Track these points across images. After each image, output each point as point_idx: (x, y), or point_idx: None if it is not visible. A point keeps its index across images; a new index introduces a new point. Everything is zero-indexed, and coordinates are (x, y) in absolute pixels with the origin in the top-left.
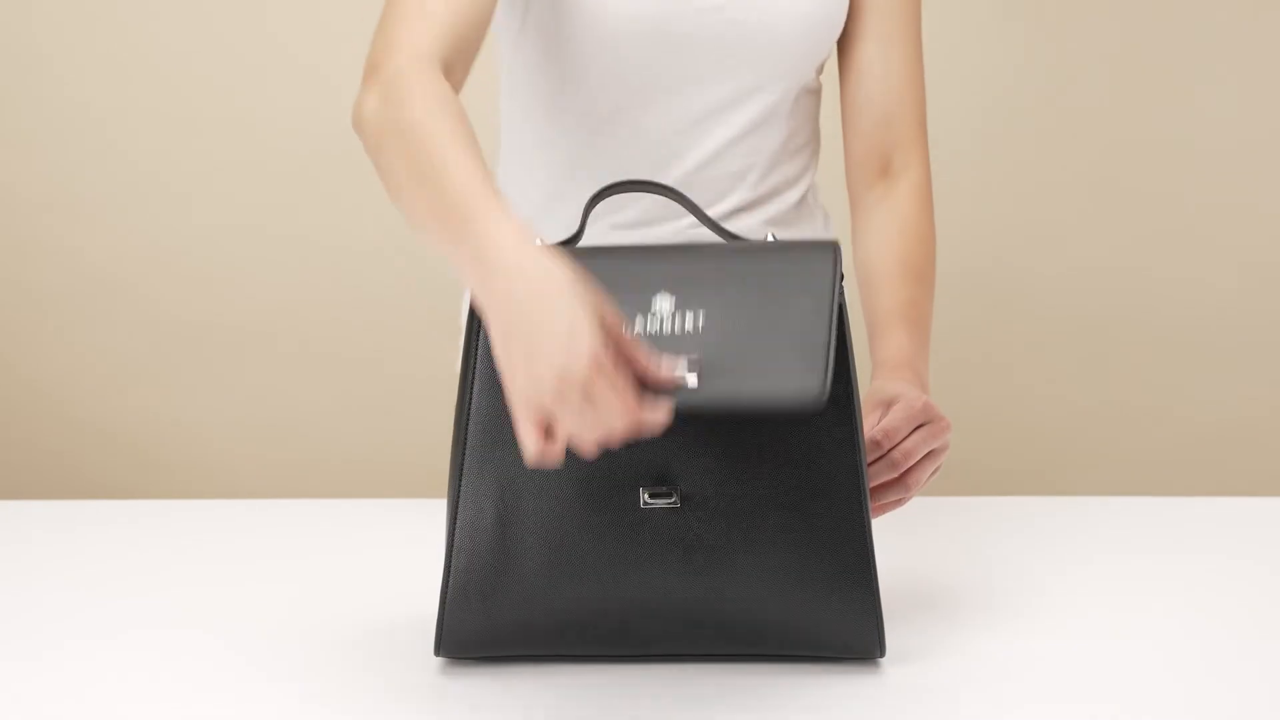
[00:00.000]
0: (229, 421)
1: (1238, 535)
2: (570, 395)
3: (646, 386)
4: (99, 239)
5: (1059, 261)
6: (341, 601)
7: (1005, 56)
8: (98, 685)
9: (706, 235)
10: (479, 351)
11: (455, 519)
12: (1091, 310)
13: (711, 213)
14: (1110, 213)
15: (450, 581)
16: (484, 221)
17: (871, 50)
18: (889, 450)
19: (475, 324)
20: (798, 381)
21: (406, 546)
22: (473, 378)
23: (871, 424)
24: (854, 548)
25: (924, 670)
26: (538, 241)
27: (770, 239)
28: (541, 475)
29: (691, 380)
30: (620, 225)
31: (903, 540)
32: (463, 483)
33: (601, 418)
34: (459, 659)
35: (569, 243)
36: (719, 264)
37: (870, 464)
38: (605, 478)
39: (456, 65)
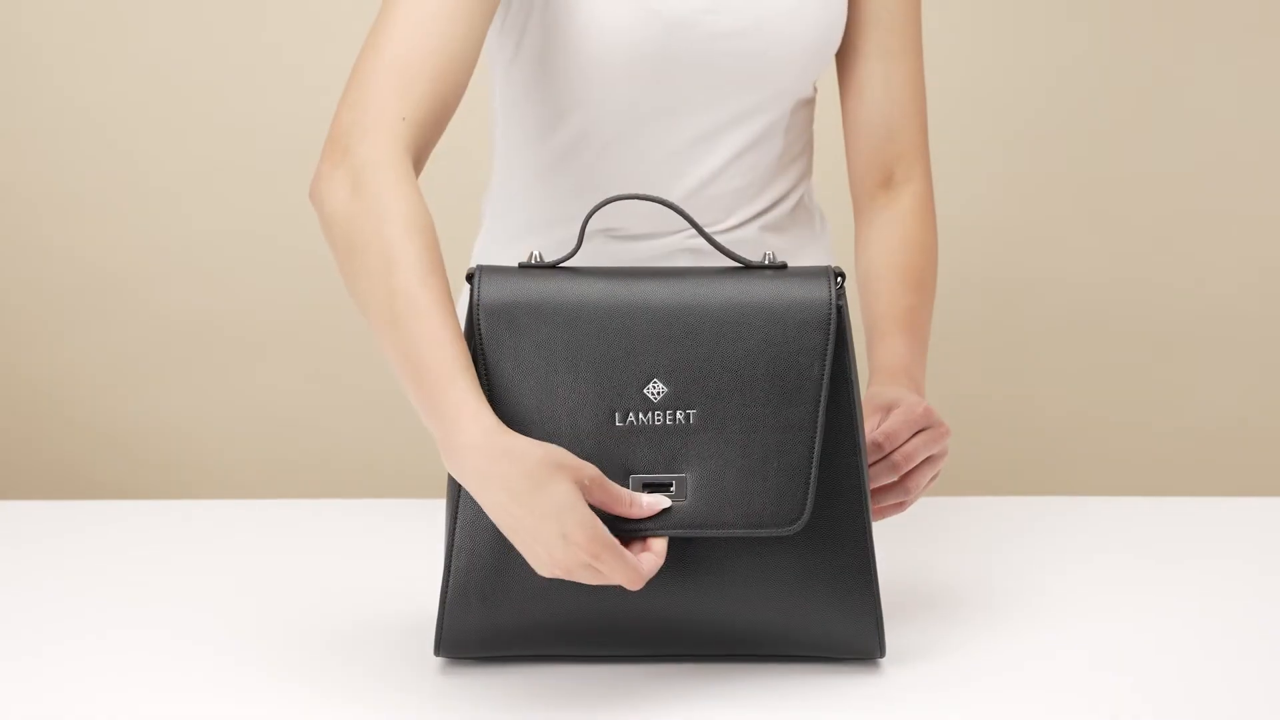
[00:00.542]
0: (229, 421)
1: (1238, 535)
2: (579, 573)
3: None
4: (99, 239)
5: (1059, 262)
6: (342, 601)
7: (1003, 59)
8: (98, 685)
9: (703, 246)
10: (476, 351)
11: (455, 519)
12: (1092, 310)
13: (714, 230)
14: (1110, 213)
15: (450, 581)
16: (453, 408)
17: (874, 66)
18: (890, 453)
19: (471, 325)
20: (777, 511)
21: (406, 546)
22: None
23: (871, 427)
24: (854, 548)
25: (924, 670)
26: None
27: (767, 258)
28: None
29: (665, 502)
30: (618, 236)
31: (903, 540)
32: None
33: (610, 579)
34: (459, 659)
35: (565, 259)
36: (713, 345)
37: (870, 466)
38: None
39: (429, 141)
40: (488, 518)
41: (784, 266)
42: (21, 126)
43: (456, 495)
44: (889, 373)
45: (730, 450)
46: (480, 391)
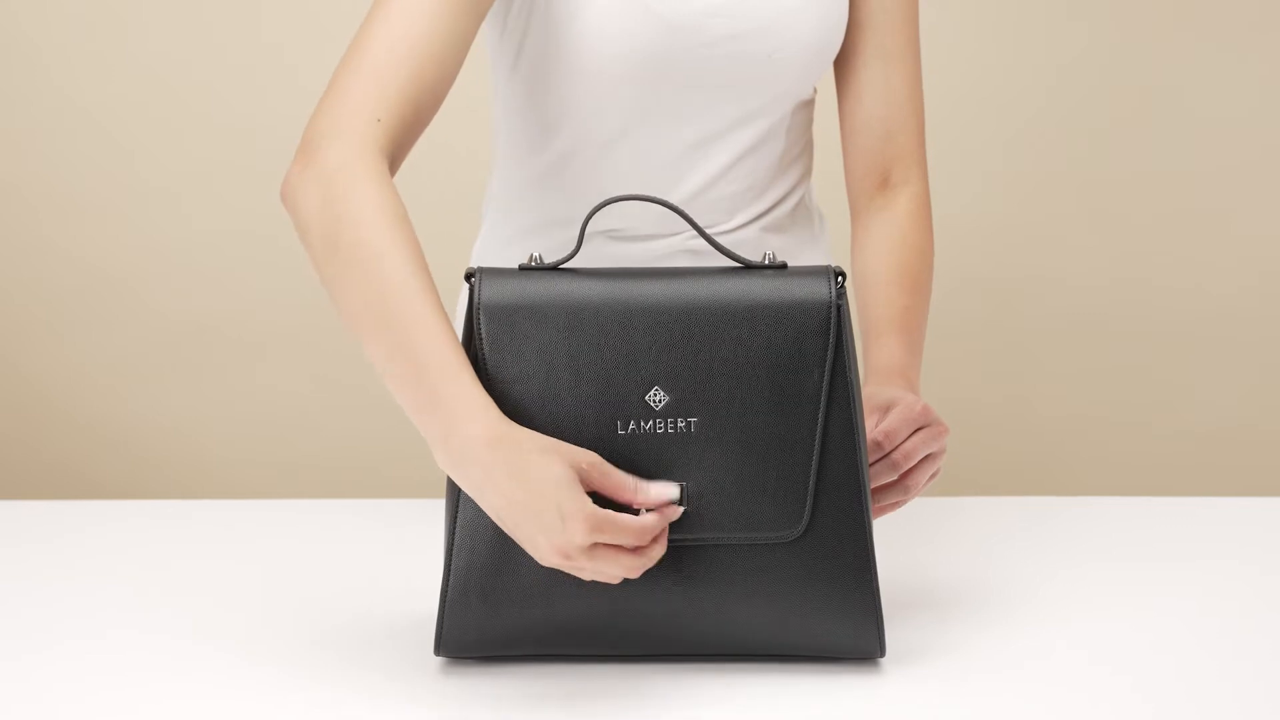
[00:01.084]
0: (229, 421)
1: (1238, 535)
2: (580, 562)
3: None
4: (99, 239)
5: (1059, 262)
6: (342, 601)
7: (1003, 59)
8: (98, 685)
9: (703, 246)
10: (477, 354)
11: (455, 519)
12: (1092, 310)
13: (715, 231)
14: (1111, 213)
15: (450, 581)
16: (458, 401)
17: (873, 68)
18: (889, 452)
19: (472, 325)
20: (777, 518)
21: (406, 546)
22: None
23: (870, 426)
24: (854, 547)
25: (924, 670)
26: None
27: (767, 258)
28: None
29: (675, 491)
30: (619, 237)
31: (903, 540)
32: None
33: (612, 570)
34: (459, 659)
35: (565, 260)
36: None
37: (870, 465)
38: None
39: (405, 142)
40: (488, 517)
41: (784, 266)
42: (21, 126)
43: (456, 495)
44: (885, 374)
45: (731, 457)
46: (479, 383)
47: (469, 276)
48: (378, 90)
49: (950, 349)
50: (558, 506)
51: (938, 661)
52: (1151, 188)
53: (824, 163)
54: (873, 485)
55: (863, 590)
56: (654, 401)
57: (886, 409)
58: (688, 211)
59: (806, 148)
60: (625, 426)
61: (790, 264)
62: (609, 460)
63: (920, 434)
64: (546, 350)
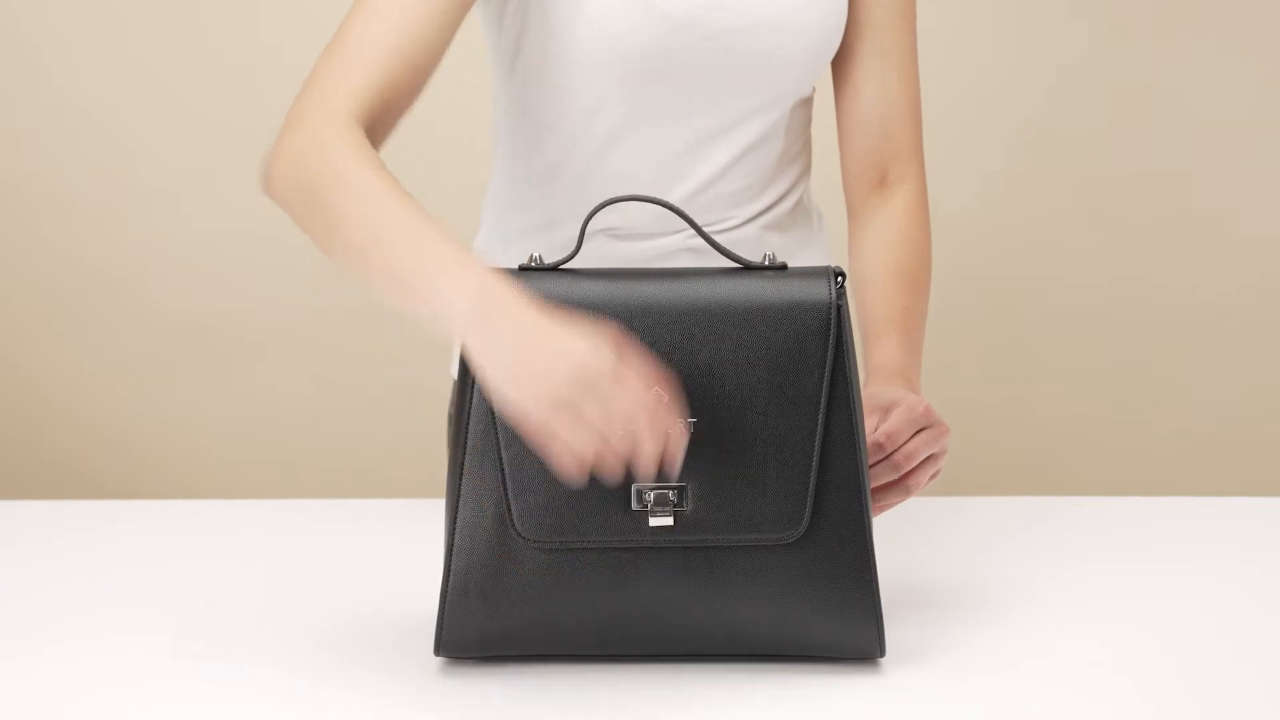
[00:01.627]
0: (229, 421)
1: (1237, 535)
2: (599, 385)
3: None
4: (99, 239)
5: (1059, 262)
6: (342, 601)
7: (1003, 59)
8: (98, 685)
9: (703, 245)
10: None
11: (455, 519)
12: (1092, 311)
13: (715, 230)
14: (1110, 213)
15: (450, 581)
16: (466, 271)
17: (870, 66)
18: (891, 453)
19: None
20: (777, 519)
21: (406, 546)
22: (472, 378)
23: (871, 427)
24: (854, 548)
25: (924, 670)
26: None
27: (767, 258)
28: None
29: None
30: (619, 236)
31: (903, 540)
32: (463, 482)
33: (627, 404)
34: (459, 659)
35: (564, 262)
36: (714, 350)
37: (871, 466)
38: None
39: (382, 123)
40: (488, 517)
41: (784, 267)
42: (21, 126)
43: (457, 496)
44: (885, 374)
45: (730, 458)
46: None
47: None
48: (354, 72)
49: (950, 349)
50: (589, 332)
51: (938, 661)
52: (1151, 188)
53: (822, 163)
54: (873, 485)
55: (863, 591)
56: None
57: (888, 409)
58: (688, 210)
59: (806, 146)
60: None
61: (790, 263)
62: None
63: (922, 435)
64: None
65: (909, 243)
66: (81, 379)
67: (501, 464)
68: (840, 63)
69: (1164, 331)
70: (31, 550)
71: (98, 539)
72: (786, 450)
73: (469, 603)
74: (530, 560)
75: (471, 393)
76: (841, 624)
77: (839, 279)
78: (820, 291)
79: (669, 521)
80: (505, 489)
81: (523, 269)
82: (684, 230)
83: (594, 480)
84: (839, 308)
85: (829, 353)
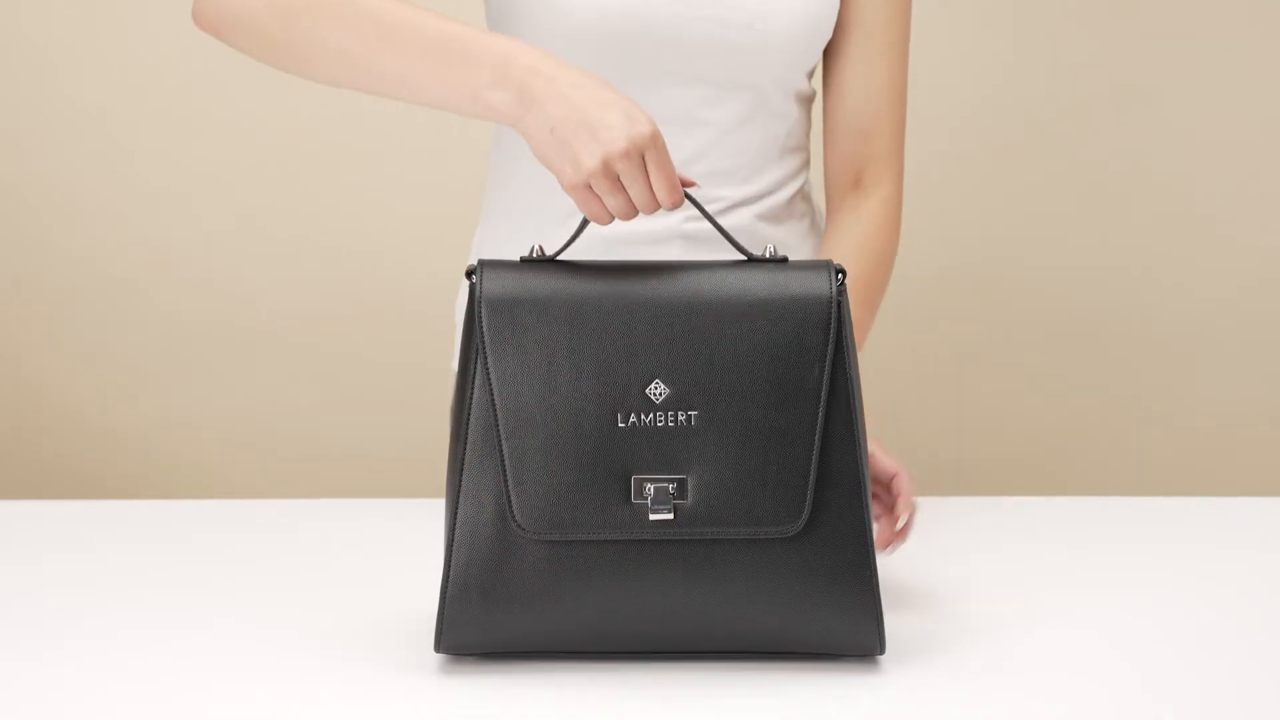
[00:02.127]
0: (229, 421)
1: (1238, 535)
2: (635, 154)
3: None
4: (99, 239)
5: (1057, 261)
6: (342, 601)
7: (1002, 59)
8: (97, 685)
9: (700, 231)
10: (478, 347)
11: (455, 515)
12: (1091, 310)
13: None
14: (1110, 212)
15: (450, 578)
16: (494, 41)
17: (856, 67)
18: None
19: (473, 320)
20: (777, 512)
21: (406, 546)
22: (473, 373)
23: None
24: (854, 542)
25: (924, 669)
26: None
27: (769, 253)
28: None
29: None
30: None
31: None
32: (463, 479)
33: (641, 190)
34: (459, 657)
35: (564, 248)
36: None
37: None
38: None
39: None
40: (488, 513)
41: (784, 260)
42: (21, 126)
43: (457, 492)
44: None
45: (730, 451)
46: None
47: (470, 274)
48: None
49: (950, 347)
50: (627, 101)
51: (937, 660)
52: (1151, 188)
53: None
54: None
55: (862, 586)
56: (654, 395)
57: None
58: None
59: (804, 143)
60: (625, 419)
61: (790, 258)
62: (607, 454)
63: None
64: (547, 343)
65: (870, 252)
66: (83, 379)
67: (502, 457)
68: (829, 60)
69: (1165, 331)
70: (32, 550)
71: (98, 539)
72: (786, 444)
73: (469, 599)
74: (530, 555)
75: (472, 388)
76: (841, 619)
77: (839, 275)
78: (821, 285)
79: (669, 516)
80: (506, 482)
81: (524, 261)
82: (682, 213)
83: (594, 474)
84: (839, 303)
85: (829, 347)
